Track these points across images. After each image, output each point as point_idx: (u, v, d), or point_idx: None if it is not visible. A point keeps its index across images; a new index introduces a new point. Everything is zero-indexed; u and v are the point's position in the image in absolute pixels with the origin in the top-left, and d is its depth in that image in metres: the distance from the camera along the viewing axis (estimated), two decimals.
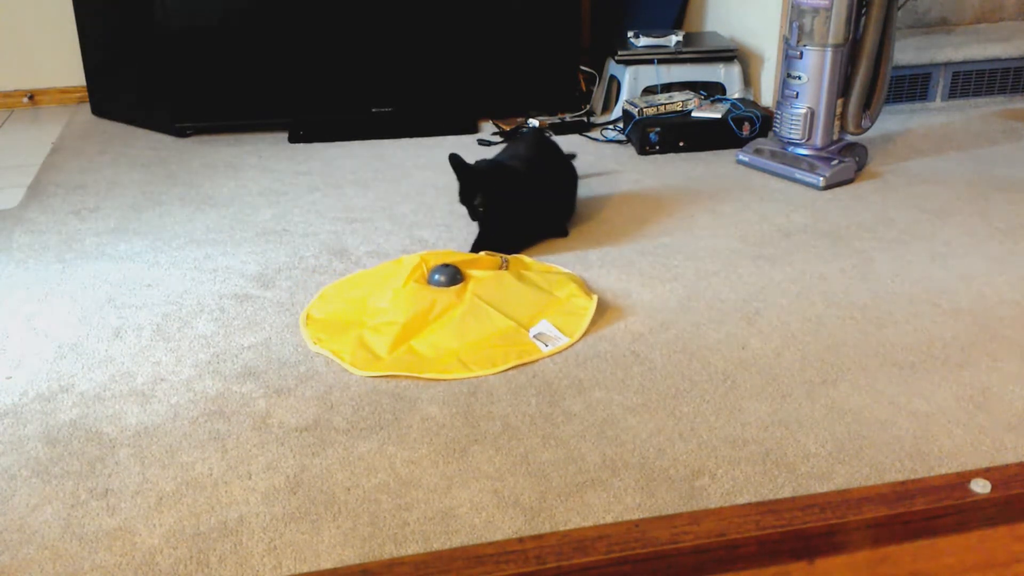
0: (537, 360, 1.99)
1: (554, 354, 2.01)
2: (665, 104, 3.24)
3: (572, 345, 2.04)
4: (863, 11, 2.80)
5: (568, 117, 3.53)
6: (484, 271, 2.26)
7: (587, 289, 2.27)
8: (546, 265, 2.39)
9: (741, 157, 3.09)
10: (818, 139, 2.92)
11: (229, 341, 2.09)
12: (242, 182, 3.01)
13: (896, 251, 2.47)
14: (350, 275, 2.36)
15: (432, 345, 2.04)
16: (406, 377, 1.93)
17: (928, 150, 3.18)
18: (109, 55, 3.48)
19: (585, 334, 2.08)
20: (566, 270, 2.37)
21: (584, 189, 2.90)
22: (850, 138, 3.02)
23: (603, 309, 2.19)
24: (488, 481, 1.63)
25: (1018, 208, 2.72)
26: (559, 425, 1.78)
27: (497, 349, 2.01)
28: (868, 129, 2.98)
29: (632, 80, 3.44)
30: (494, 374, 1.94)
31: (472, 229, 2.59)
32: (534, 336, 2.07)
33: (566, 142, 3.32)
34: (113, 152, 3.28)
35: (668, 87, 3.47)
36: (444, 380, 1.92)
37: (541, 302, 2.18)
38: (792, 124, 2.92)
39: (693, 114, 3.24)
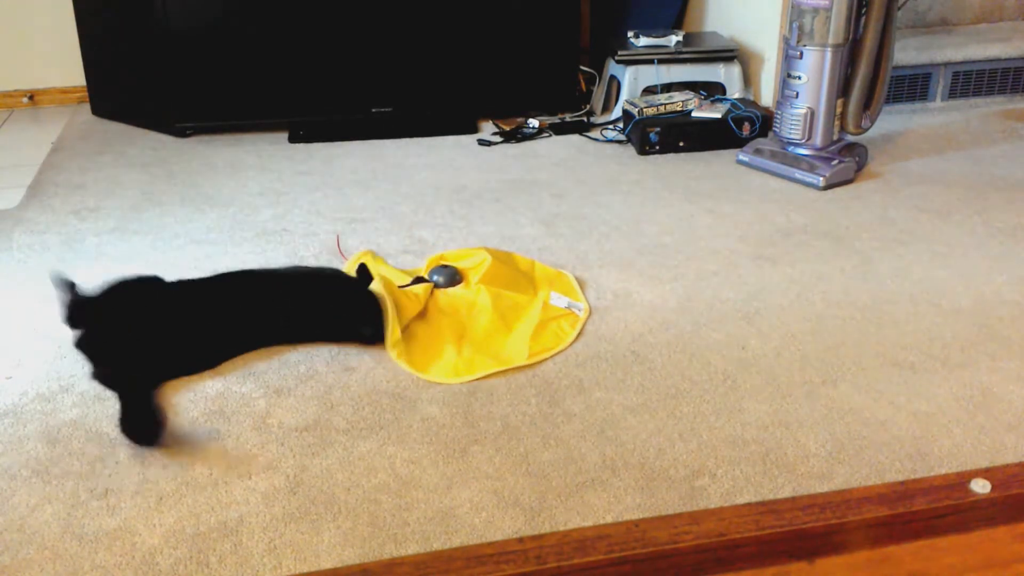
0: (583, 324, 2.10)
1: (586, 320, 2.13)
2: (665, 104, 3.24)
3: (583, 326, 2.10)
4: (863, 11, 2.80)
5: (568, 117, 3.54)
6: (473, 262, 2.26)
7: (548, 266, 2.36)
8: (502, 251, 2.40)
9: (741, 157, 3.09)
10: (818, 139, 2.92)
11: None
12: (242, 182, 3.01)
13: (896, 251, 2.47)
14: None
15: (486, 339, 2.04)
16: (495, 375, 1.94)
17: (928, 150, 3.18)
18: (109, 55, 3.47)
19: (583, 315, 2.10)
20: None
21: (584, 189, 2.89)
22: (850, 138, 3.02)
23: (603, 309, 2.19)
24: (488, 481, 1.63)
25: (1018, 208, 2.72)
26: (559, 425, 1.78)
27: (552, 325, 2.07)
28: (868, 129, 2.98)
29: (632, 80, 3.44)
30: (565, 349, 2.01)
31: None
32: (566, 306, 2.14)
33: (566, 142, 3.33)
34: (113, 152, 3.28)
35: (668, 87, 3.47)
36: (529, 368, 1.96)
37: (535, 279, 2.24)
38: (792, 124, 2.92)
39: (693, 114, 3.24)
